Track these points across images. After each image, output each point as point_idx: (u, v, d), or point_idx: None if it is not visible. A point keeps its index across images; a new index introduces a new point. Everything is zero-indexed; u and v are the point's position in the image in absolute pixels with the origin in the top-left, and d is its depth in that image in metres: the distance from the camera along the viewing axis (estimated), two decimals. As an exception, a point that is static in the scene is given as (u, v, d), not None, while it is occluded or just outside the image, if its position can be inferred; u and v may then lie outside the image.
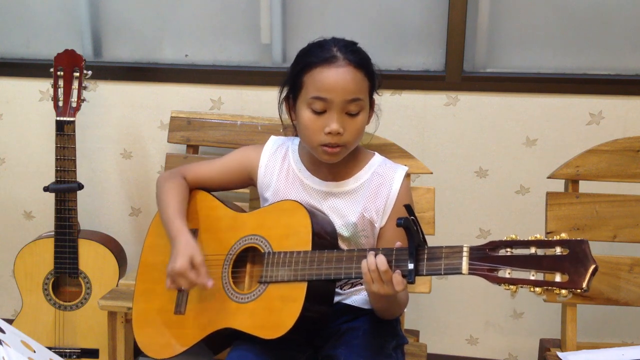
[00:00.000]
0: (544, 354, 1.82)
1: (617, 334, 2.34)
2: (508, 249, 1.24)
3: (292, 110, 1.58)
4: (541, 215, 1.85)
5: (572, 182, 1.84)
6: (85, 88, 2.25)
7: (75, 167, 2.24)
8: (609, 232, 1.82)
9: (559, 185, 1.87)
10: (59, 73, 2.24)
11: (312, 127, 1.49)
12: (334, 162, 1.54)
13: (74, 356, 2.30)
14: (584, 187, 1.84)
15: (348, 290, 1.61)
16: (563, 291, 1.18)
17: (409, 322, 2.36)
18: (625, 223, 1.81)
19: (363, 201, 1.57)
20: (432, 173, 1.87)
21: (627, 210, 1.81)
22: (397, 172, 1.59)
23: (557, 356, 1.74)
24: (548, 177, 1.86)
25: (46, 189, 2.24)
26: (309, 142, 1.52)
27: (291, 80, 1.55)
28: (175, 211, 1.60)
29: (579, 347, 1.79)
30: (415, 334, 2.09)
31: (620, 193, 1.84)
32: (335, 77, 1.46)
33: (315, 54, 1.50)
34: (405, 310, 1.63)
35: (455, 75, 2.28)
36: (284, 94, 1.59)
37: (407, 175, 1.63)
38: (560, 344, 1.82)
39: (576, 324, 1.80)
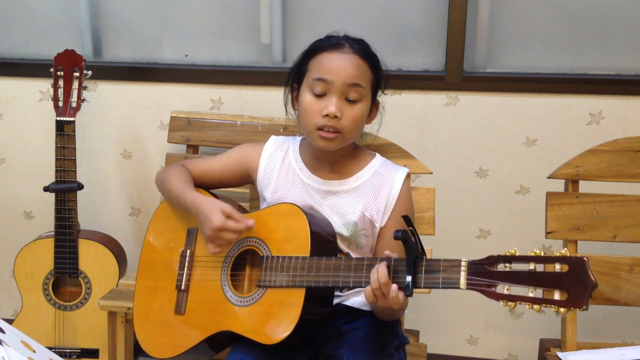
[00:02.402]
0: (544, 354, 1.82)
1: (617, 334, 2.34)
2: (507, 264, 1.23)
3: (295, 101, 1.60)
4: (541, 215, 1.85)
5: (572, 182, 1.84)
6: (85, 88, 2.25)
7: (75, 167, 2.24)
8: (609, 232, 1.81)
9: (559, 185, 1.87)
10: (59, 73, 2.24)
11: (310, 109, 1.51)
12: (331, 151, 1.54)
13: (74, 356, 2.30)
14: (584, 187, 1.84)
15: (347, 293, 1.61)
16: (562, 309, 1.17)
17: (409, 322, 2.36)
18: (625, 223, 1.81)
19: (364, 200, 1.57)
20: (432, 173, 1.87)
21: (627, 210, 1.81)
22: (398, 173, 1.60)
23: (557, 356, 1.74)
24: (548, 177, 1.85)
25: (46, 189, 2.24)
26: (307, 127, 1.53)
27: (297, 67, 1.58)
28: (185, 185, 1.59)
29: (579, 347, 1.79)
30: (415, 334, 2.09)
31: (620, 193, 1.84)
32: (338, 60, 1.50)
33: (323, 42, 1.55)
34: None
35: (455, 75, 2.28)
36: (290, 87, 1.62)
37: (408, 176, 1.63)
38: (560, 344, 1.82)
39: (576, 324, 1.80)
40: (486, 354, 2.49)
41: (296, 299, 1.42)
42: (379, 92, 1.61)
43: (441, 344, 2.49)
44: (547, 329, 2.27)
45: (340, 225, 1.57)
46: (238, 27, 2.43)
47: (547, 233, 1.82)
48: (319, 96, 1.50)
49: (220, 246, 1.49)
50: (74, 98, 2.23)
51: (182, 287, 1.58)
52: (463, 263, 1.27)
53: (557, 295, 1.18)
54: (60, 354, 2.28)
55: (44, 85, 2.47)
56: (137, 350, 1.66)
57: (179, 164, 1.71)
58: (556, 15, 2.25)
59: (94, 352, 2.30)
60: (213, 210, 1.47)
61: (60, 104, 2.23)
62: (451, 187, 2.35)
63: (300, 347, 1.53)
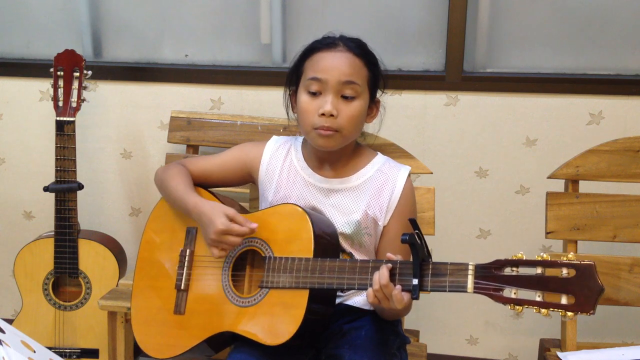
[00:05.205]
0: (544, 354, 1.82)
1: (617, 334, 2.34)
2: (514, 268, 1.24)
3: (294, 103, 1.60)
4: (541, 215, 1.85)
5: (572, 182, 1.84)
6: (85, 88, 2.25)
7: (75, 167, 2.24)
8: (609, 232, 1.81)
9: (559, 185, 1.87)
10: (59, 73, 2.24)
11: (307, 109, 1.51)
12: (330, 150, 1.54)
13: (74, 356, 2.30)
14: (584, 187, 1.84)
15: (349, 292, 1.61)
16: (569, 313, 1.18)
17: (409, 322, 2.35)
18: (625, 223, 1.81)
19: (366, 198, 1.57)
20: (432, 173, 1.87)
21: (627, 210, 1.81)
22: (400, 171, 1.60)
23: (557, 356, 1.74)
24: (548, 177, 1.85)
25: (46, 189, 2.24)
26: (304, 127, 1.54)
27: (294, 69, 1.59)
28: (185, 187, 1.59)
29: (579, 347, 1.79)
30: (415, 334, 2.09)
31: (620, 193, 1.84)
32: (332, 59, 1.51)
33: (318, 42, 1.56)
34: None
35: (455, 75, 2.28)
36: (289, 90, 1.62)
37: (409, 175, 1.63)
38: (560, 344, 1.82)
39: (576, 324, 1.80)
40: (486, 354, 2.49)
41: (300, 300, 1.42)
42: (379, 92, 1.61)
43: (441, 344, 2.49)
44: (547, 329, 2.27)
45: (343, 223, 1.56)
46: (238, 27, 2.43)
47: (547, 233, 1.82)
48: (315, 96, 1.51)
49: (225, 250, 1.49)
50: (74, 98, 2.23)
51: (182, 287, 1.58)
52: (470, 267, 1.28)
53: (564, 300, 1.19)
54: (60, 354, 2.28)
55: (44, 85, 2.47)
56: (137, 350, 1.66)
57: (178, 162, 1.71)
58: (556, 15, 2.25)
59: (94, 352, 2.30)
60: (216, 213, 1.47)
61: (60, 104, 2.23)
62: (451, 187, 2.35)
63: (302, 348, 1.53)
